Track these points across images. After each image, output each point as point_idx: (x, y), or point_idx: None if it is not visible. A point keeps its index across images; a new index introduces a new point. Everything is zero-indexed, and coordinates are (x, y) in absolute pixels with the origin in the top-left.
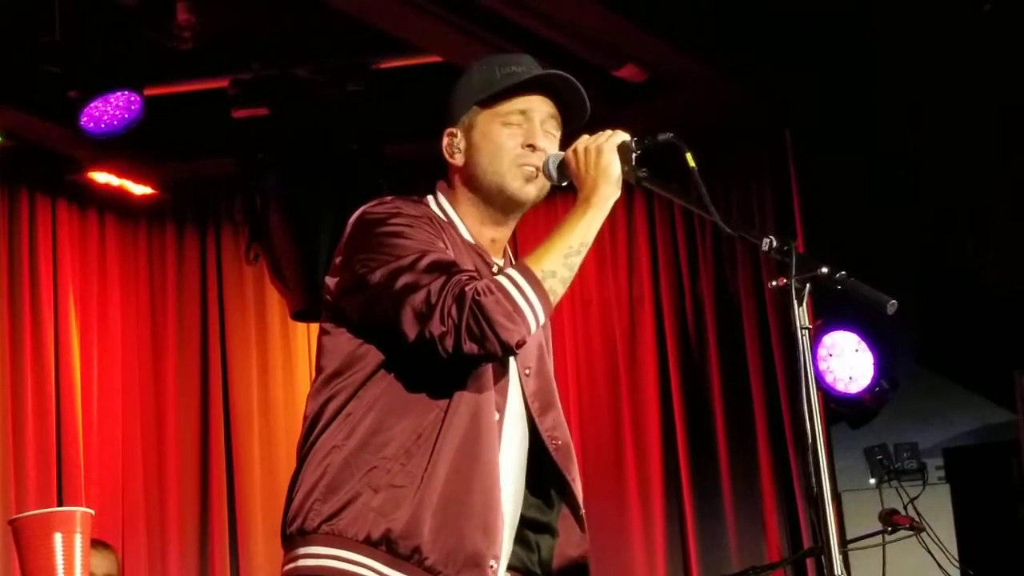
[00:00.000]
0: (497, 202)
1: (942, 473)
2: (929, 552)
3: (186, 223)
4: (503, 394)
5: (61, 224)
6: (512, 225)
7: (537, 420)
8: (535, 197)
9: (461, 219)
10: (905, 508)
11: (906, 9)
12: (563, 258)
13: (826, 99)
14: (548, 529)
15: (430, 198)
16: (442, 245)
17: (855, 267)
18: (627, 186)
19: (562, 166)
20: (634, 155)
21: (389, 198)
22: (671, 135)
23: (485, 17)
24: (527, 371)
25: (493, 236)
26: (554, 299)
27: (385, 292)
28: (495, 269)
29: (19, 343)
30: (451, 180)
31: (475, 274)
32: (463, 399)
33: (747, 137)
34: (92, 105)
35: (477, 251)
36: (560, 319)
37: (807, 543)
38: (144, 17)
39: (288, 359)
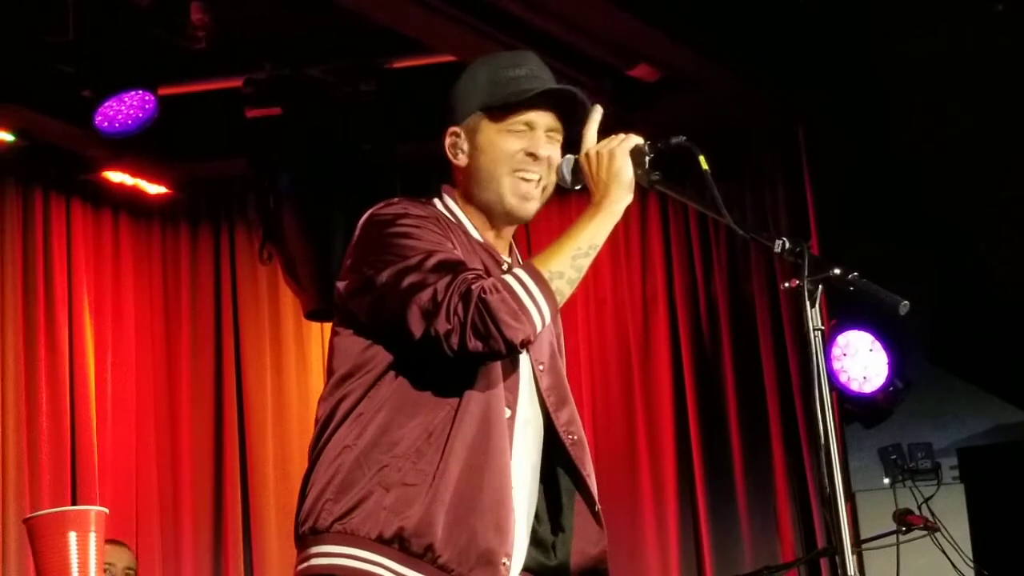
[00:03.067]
0: (495, 212)
1: (956, 473)
2: (943, 552)
3: (200, 223)
4: (514, 391)
5: (75, 224)
6: (512, 230)
7: (553, 415)
8: (532, 213)
9: (468, 219)
10: (919, 508)
11: (918, 9)
12: (571, 259)
13: (839, 99)
14: (562, 528)
15: (437, 200)
16: (450, 245)
17: (869, 266)
18: (640, 188)
19: (575, 169)
20: (647, 159)
21: (397, 200)
22: (683, 138)
23: (498, 16)
24: (541, 366)
25: (496, 236)
26: (560, 299)
27: (392, 292)
28: (505, 267)
29: (33, 343)
30: (455, 180)
31: (482, 273)
32: (473, 397)
33: (760, 137)
34: (106, 105)
35: (487, 249)
36: (574, 318)
37: (821, 543)
38: (158, 17)
39: (302, 358)
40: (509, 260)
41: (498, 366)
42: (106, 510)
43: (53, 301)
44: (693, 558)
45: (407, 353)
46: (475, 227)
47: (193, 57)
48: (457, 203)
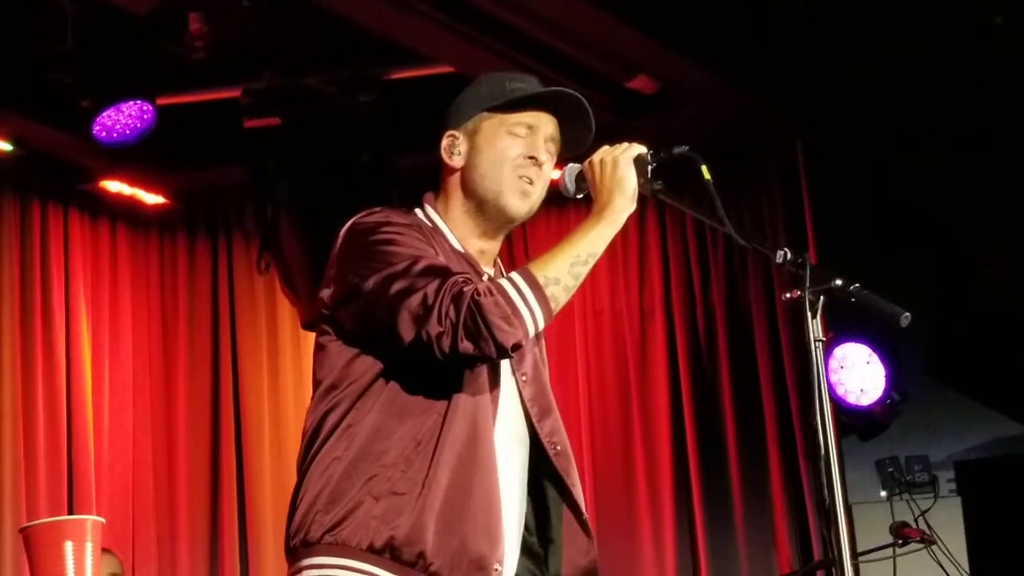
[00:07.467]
0: (489, 211)
1: (953, 486)
2: (940, 565)
3: (197, 233)
4: (496, 401)
5: (73, 233)
6: (500, 239)
7: (537, 425)
8: (526, 214)
9: (450, 228)
10: (916, 521)
11: (917, 21)
12: (569, 266)
13: (837, 111)
14: (551, 539)
15: (417, 210)
16: (433, 252)
17: (866, 279)
18: (640, 197)
19: (579, 178)
20: (650, 168)
21: (378, 208)
22: (687, 148)
23: (497, 28)
24: (524, 377)
25: (482, 247)
26: (555, 306)
27: (380, 299)
28: (485, 279)
29: (31, 352)
30: (445, 184)
31: (471, 276)
32: (460, 404)
33: (758, 148)
34: (104, 114)
35: (467, 259)
36: (571, 330)
37: (817, 555)
38: (156, 27)
39: (299, 369)
40: (492, 272)
41: (484, 376)
42: (102, 520)
43: (50, 311)
44: (690, 571)
45: (394, 362)
46: (457, 237)
47: (191, 67)
48: (439, 213)
